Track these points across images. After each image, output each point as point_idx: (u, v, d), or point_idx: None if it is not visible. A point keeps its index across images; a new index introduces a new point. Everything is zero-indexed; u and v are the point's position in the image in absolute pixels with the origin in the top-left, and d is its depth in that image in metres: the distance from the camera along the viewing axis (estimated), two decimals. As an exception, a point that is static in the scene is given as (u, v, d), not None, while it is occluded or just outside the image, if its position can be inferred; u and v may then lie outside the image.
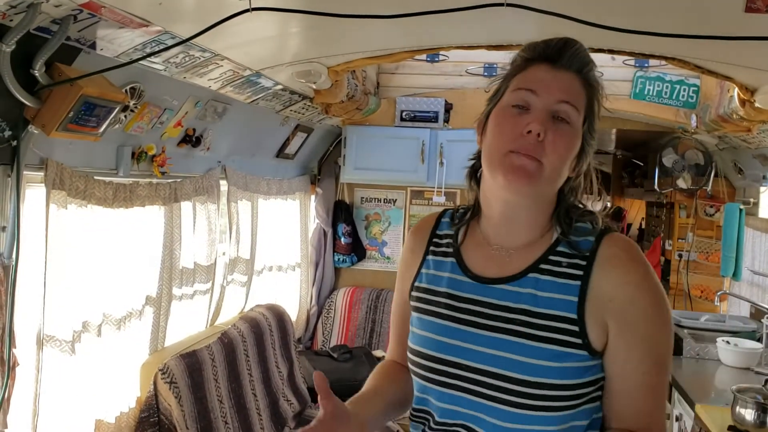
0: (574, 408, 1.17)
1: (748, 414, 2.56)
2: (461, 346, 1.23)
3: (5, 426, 2.06)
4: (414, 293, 1.35)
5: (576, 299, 1.18)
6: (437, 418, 1.26)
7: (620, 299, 1.17)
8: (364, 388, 1.40)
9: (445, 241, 1.36)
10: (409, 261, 1.40)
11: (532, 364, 1.16)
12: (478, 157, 1.31)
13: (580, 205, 1.28)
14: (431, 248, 1.36)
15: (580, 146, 1.23)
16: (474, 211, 1.34)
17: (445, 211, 1.41)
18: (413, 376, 1.31)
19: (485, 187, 1.29)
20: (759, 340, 3.64)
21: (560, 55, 1.23)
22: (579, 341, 1.17)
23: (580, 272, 1.19)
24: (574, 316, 1.17)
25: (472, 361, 1.21)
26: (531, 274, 1.22)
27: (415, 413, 1.32)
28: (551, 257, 1.23)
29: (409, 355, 1.31)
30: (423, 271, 1.35)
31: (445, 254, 1.34)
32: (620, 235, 1.25)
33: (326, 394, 1.18)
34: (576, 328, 1.17)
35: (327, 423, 1.17)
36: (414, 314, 1.33)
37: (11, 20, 1.74)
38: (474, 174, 1.34)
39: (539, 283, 1.21)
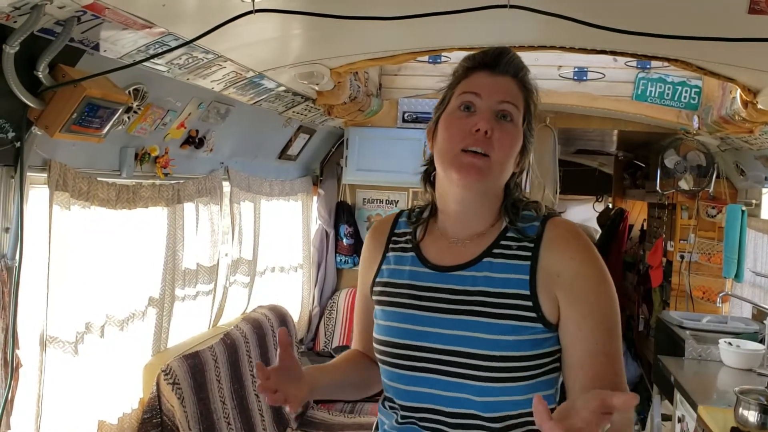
0: (535, 378, 1.29)
1: (751, 416, 2.56)
2: (426, 331, 1.33)
3: (8, 427, 2.06)
4: (376, 288, 1.45)
5: (527, 277, 1.30)
6: (408, 403, 1.35)
7: (567, 274, 1.29)
8: (326, 363, 1.54)
9: (404, 238, 1.46)
10: (369, 260, 1.51)
11: (493, 340, 1.27)
12: (429, 162, 1.44)
13: (524, 198, 1.42)
14: (390, 246, 1.47)
15: (522, 143, 1.36)
16: (431, 210, 1.46)
17: (401, 212, 1.53)
18: (382, 366, 1.40)
19: (440, 187, 1.41)
20: (761, 341, 3.64)
21: (498, 62, 1.36)
22: (533, 315, 1.29)
23: (529, 253, 1.32)
24: (527, 292, 1.29)
25: (437, 343, 1.31)
26: (485, 259, 1.34)
27: (386, 402, 1.43)
28: (502, 242, 1.35)
29: (377, 346, 1.40)
30: (384, 267, 1.45)
31: (404, 249, 1.44)
32: (562, 219, 1.39)
33: (286, 350, 1.31)
34: (530, 303, 1.29)
35: (280, 373, 1.29)
36: (378, 308, 1.43)
37: (15, 22, 1.74)
38: (428, 177, 1.46)
39: (493, 266, 1.33)
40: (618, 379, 1.27)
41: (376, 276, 1.46)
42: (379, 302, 1.43)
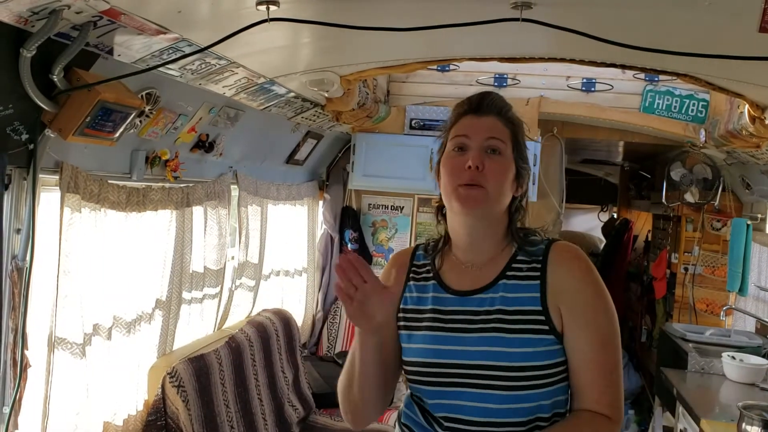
0: (553, 385, 1.44)
1: (755, 431, 2.56)
2: (453, 350, 1.47)
3: (16, 426, 2.07)
4: (401, 314, 1.57)
5: (538, 295, 1.47)
6: (444, 414, 1.47)
7: (569, 290, 1.46)
8: None
9: (423, 269, 1.61)
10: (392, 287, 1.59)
11: (513, 352, 1.43)
12: (440, 197, 1.59)
13: (529, 228, 1.58)
14: (411, 275, 1.61)
15: (516, 171, 1.52)
16: (444, 241, 1.61)
17: (417, 245, 1.69)
18: (416, 386, 1.53)
19: (450, 220, 1.57)
20: (765, 355, 3.64)
21: (480, 106, 1.55)
22: (546, 327, 1.44)
23: (538, 273, 1.49)
24: (539, 308, 1.46)
25: (464, 359, 1.46)
26: (500, 281, 1.50)
27: (427, 417, 1.51)
28: (513, 265, 1.52)
29: (409, 368, 1.54)
30: (407, 295, 1.59)
31: (426, 279, 1.59)
32: (565, 242, 1.56)
33: (367, 271, 1.37)
34: (542, 318, 1.45)
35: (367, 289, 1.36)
36: (403, 332, 1.56)
37: (33, 26, 1.76)
38: (439, 212, 1.63)
39: (507, 287, 1.49)
40: (612, 390, 1.44)
41: (399, 304, 1.58)
42: (406, 327, 1.56)
